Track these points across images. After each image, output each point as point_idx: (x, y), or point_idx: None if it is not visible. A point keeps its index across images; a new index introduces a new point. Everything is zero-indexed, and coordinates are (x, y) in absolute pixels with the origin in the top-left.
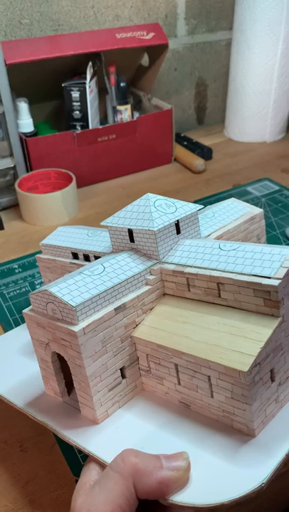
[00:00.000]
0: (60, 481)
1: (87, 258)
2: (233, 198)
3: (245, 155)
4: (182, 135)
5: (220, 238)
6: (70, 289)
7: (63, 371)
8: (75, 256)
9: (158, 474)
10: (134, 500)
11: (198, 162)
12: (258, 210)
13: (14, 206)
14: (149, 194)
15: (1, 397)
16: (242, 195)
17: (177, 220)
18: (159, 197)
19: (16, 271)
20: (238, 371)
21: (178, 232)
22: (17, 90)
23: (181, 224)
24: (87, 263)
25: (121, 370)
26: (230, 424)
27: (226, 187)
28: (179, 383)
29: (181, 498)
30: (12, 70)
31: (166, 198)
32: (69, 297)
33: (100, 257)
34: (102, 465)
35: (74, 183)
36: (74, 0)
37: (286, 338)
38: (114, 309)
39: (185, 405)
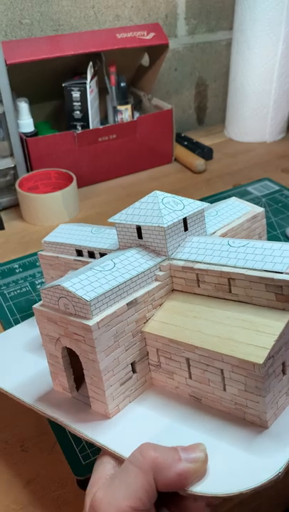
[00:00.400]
0: (61, 481)
1: (92, 255)
2: (234, 197)
3: (245, 155)
4: (182, 135)
5: (224, 236)
6: (83, 284)
7: (72, 366)
8: (79, 253)
9: (177, 467)
10: (153, 493)
11: (198, 162)
12: (259, 209)
13: (14, 206)
14: (157, 191)
15: (8, 393)
16: (242, 195)
17: (185, 217)
18: (167, 194)
19: (17, 271)
20: (252, 363)
21: (185, 229)
22: (17, 90)
23: (188, 221)
24: (92, 260)
25: (132, 364)
26: (243, 417)
27: (226, 187)
28: (190, 377)
29: (200, 488)
30: (12, 70)
31: (173, 195)
32: (83, 292)
33: (105, 254)
34: (117, 459)
35: (74, 183)
36: (74, 0)
37: None
38: (127, 304)
39: (196, 399)
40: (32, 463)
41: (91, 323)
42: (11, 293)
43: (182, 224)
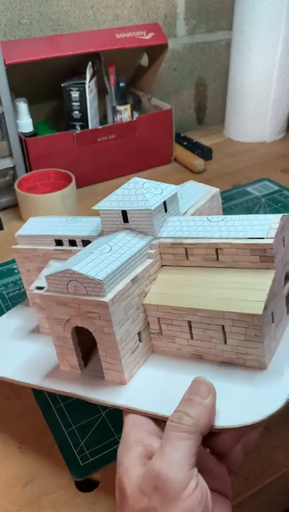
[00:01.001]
0: (59, 482)
1: (73, 243)
2: (191, 181)
3: (244, 155)
4: (182, 135)
5: (194, 215)
6: (90, 266)
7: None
8: (59, 243)
9: (205, 410)
10: (200, 445)
11: (198, 162)
12: (215, 189)
13: (13, 206)
14: (136, 178)
15: (13, 380)
16: (242, 195)
17: (165, 200)
18: (145, 180)
19: (15, 271)
20: (252, 315)
21: (165, 210)
22: (16, 90)
23: (167, 203)
24: (73, 248)
25: (138, 334)
26: (243, 364)
27: (226, 187)
28: (192, 338)
29: (223, 423)
30: (11, 70)
31: (150, 180)
32: (93, 273)
33: (88, 241)
34: (155, 419)
35: (73, 183)
36: (73, 0)
37: (278, 286)
38: (131, 281)
39: (198, 356)
40: (30, 464)
41: (107, 299)
42: (9, 293)
43: (163, 206)
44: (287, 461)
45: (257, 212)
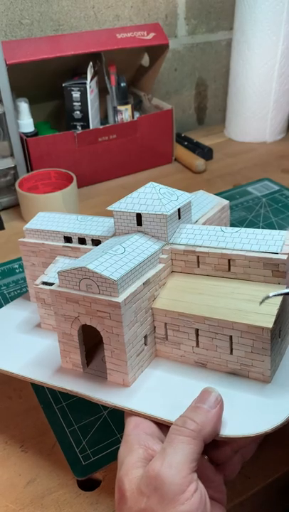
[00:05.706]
0: (61, 482)
1: (82, 241)
2: (201, 190)
3: (245, 155)
4: (183, 135)
5: (204, 224)
6: (105, 265)
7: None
8: (68, 239)
9: (211, 419)
10: (201, 452)
11: (198, 162)
12: (225, 201)
13: (15, 206)
14: (153, 183)
15: (18, 375)
16: (242, 195)
17: (180, 207)
18: (162, 186)
19: (17, 271)
20: (262, 328)
21: (179, 217)
22: (17, 90)
23: (181, 210)
24: (82, 246)
25: (144, 338)
26: (246, 375)
27: (227, 187)
28: (198, 345)
29: (229, 432)
30: (12, 70)
31: (166, 186)
32: (108, 273)
33: (98, 241)
34: (157, 423)
35: (74, 183)
36: (74, 0)
37: (286, 302)
38: (143, 284)
39: (201, 365)
40: (32, 463)
41: (120, 300)
42: (11, 293)
43: (177, 212)
44: (288, 461)
45: (257, 212)
